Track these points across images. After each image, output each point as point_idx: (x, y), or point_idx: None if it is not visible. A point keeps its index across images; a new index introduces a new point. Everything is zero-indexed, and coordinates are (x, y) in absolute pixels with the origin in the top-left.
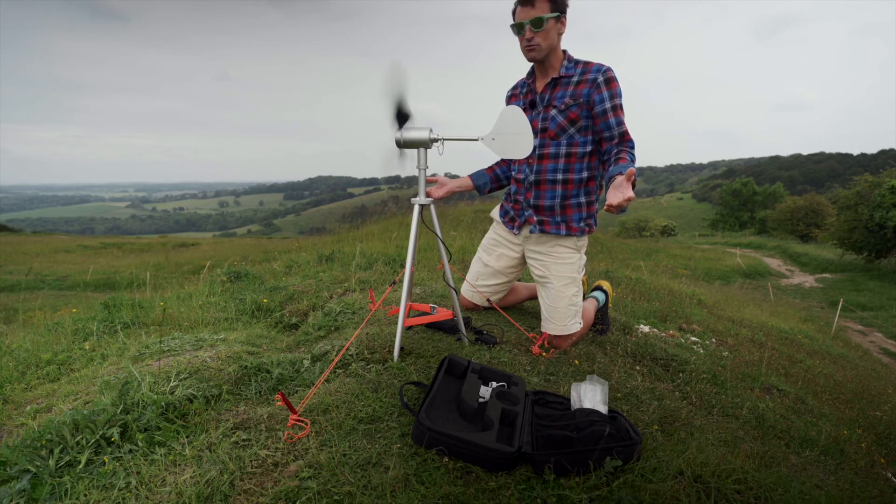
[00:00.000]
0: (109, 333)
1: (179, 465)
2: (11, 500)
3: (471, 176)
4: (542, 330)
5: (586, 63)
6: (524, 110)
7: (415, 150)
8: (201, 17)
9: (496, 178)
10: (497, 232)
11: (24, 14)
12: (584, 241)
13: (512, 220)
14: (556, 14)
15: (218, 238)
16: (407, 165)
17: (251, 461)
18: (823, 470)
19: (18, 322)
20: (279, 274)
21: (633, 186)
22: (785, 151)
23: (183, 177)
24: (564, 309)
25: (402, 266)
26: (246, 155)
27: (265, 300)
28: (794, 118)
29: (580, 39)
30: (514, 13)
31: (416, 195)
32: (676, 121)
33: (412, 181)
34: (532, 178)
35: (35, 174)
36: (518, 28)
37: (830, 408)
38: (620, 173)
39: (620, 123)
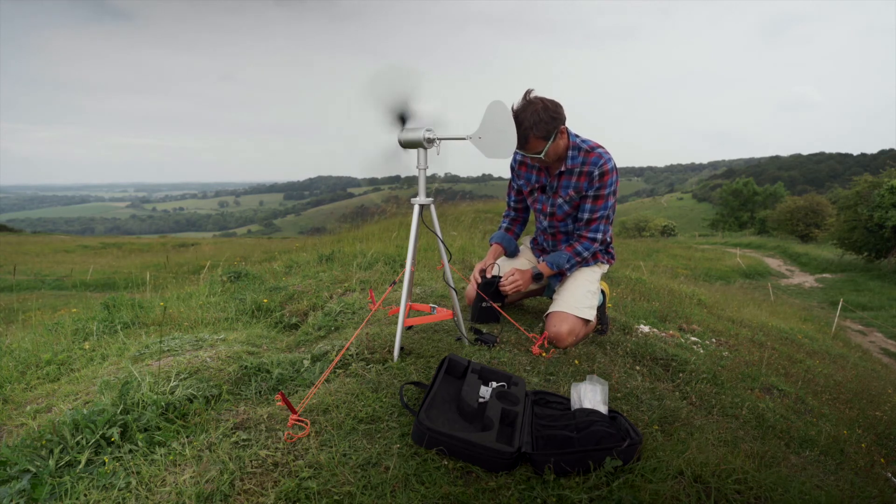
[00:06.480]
0: (109, 333)
1: (179, 465)
2: (11, 500)
3: (501, 245)
4: (552, 310)
5: (588, 152)
6: (535, 191)
7: (412, 150)
8: (206, 16)
9: (517, 236)
10: (525, 251)
11: (26, 13)
12: (606, 267)
13: (543, 251)
14: (551, 140)
15: (218, 238)
16: (403, 165)
17: (251, 461)
18: (823, 470)
19: (18, 322)
20: (279, 274)
21: (541, 279)
22: (785, 151)
23: (183, 177)
24: (582, 294)
25: (402, 266)
26: (246, 155)
27: (265, 300)
28: (796, 118)
29: (584, 40)
30: None
31: (416, 195)
32: (678, 121)
33: (412, 181)
34: (551, 248)
35: (35, 174)
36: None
37: (830, 408)
38: (546, 264)
39: (594, 210)
